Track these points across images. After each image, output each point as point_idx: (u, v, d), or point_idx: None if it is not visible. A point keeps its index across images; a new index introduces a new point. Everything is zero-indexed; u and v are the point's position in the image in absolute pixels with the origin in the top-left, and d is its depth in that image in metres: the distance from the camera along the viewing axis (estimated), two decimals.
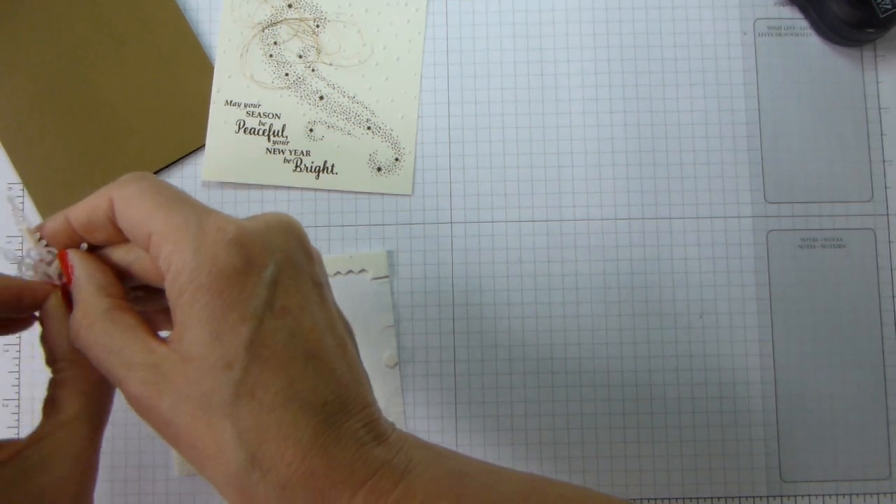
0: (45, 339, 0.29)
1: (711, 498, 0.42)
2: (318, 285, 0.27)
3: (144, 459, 0.43)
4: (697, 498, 0.42)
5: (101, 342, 0.26)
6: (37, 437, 0.27)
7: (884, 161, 0.44)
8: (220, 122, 0.44)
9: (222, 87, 0.45)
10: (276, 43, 0.45)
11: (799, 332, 0.44)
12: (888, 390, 0.43)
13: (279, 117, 0.44)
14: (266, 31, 0.45)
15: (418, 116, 0.45)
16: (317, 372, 0.25)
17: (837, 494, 0.42)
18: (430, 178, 0.44)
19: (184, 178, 0.44)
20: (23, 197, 0.44)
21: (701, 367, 0.43)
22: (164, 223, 0.25)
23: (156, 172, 0.44)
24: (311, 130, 0.44)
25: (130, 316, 0.27)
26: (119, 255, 0.29)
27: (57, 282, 0.29)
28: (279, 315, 0.25)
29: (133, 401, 0.25)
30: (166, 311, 0.28)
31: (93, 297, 0.27)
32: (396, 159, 0.44)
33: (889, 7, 0.42)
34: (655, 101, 0.45)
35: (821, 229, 0.44)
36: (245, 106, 0.45)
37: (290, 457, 0.24)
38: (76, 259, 0.28)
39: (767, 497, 0.42)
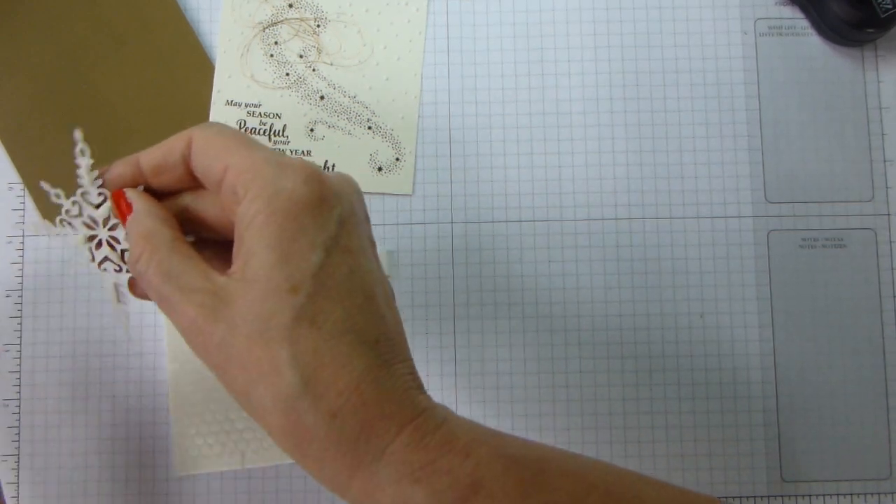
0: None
1: None
2: (372, 244, 0.28)
3: (144, 459, 0.43)
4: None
5: (162, 268, 0.26)
6: None
7: (884, 161, 0.44)
8: (220, 122, 0.44)
9: (223, 88, 0.45)
10: (276, 43, 0.45)
11: (799, 332, 0.44)
12: (888, 390, 0.43)
13: (280, 117, 0.44)
14: (267, 30, 0.45)
15: (419, 116, 0.45)
16: (372, 312, 0.26)
17: (837, 494, 0.42)
18: (430, 178, 0.44)
19: None
20: (23, 197, 0.44)
21: (701, 367, 0.43)
22: (245, 157, 0.26)
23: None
24: (311, 130, 0.44)
25: (189, 247, 0.27)
26: (180, 200, 0.30)
27: (100, 229, 0.30)
28: (344, 251, 0.26)
29: (187, 325, 0.26)
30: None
31: (156, 226, 0.28)
32: (397, 159, 0.44)
33: (889, 7, 0.42)
34: (655, 101, 0.45)
35: (821, 229, 0.44)
36: (246, 106, 0.45)
37: (343, 385, 0.25)
38: (134, 195, 0.29)
39: (767, 497, 0.42)
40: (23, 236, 0.44)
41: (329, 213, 0.26)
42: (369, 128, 0.44)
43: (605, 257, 0.44)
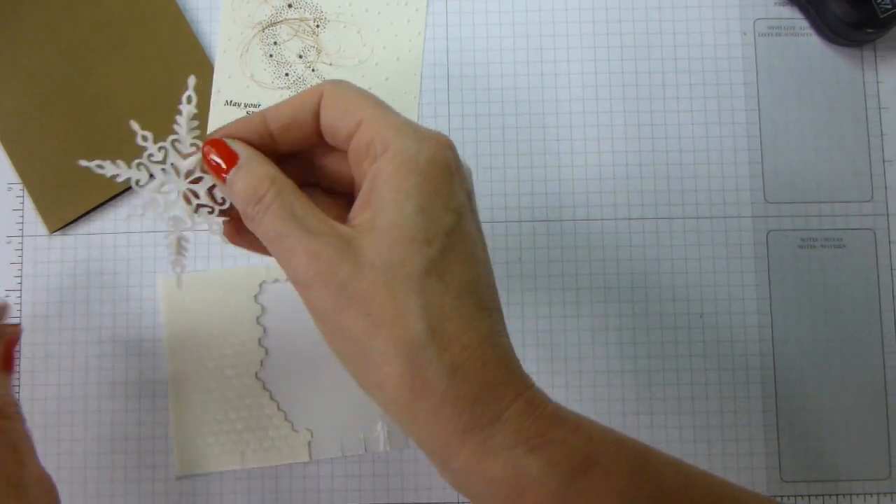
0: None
1: None
2: (481, 225, 0.29)
3: (144, 459, 0.43)
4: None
5: (285, 208, 0.26)
6: None
7: (884, 161, 0.44)
8: (220, 122, 0.44)
9: (222, 88, 0.45)
10: (276, 43, 0.45)
11: (799, 332, 0.44)
12: (888, 390, 0.43)
13: None
14: (266, 31, 0.45)
15: (419, 116, 0.45)
16: (489, 283, 0.27)
17: (837, 494, 0.42)
18: None
19: None
20: (23, 197, 0.44)
21: (701, 367, 0.43)
22: (383, 115, 0.27)
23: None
24: None
25: (307, 196, 0.27)
26: (304, 160, 0.30)
27: (180, 180, 0.29)
28: (471, 221, 0.27)
29: (307, 266, 0.25)
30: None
31: (275, 171, 0.27)
32: None
33: (889, 7, 0.42)
34: (655, 101, 0.45)
35: (821, 229, 0.44)
36: (245, 106, 0.45)
37: (468, 340, 0.25)
38: (240, 145, 0.28)
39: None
40: (22, 236, 0.44)
41: (461, 183, 0.27)
42: None
43: (605, 257, 0.44)
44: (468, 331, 0.25)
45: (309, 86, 0.45)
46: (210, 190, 0.29)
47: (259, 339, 0.43)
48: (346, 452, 0.43)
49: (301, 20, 0.45)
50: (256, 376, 0.43)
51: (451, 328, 0.25)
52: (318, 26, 0.45)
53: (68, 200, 0.44)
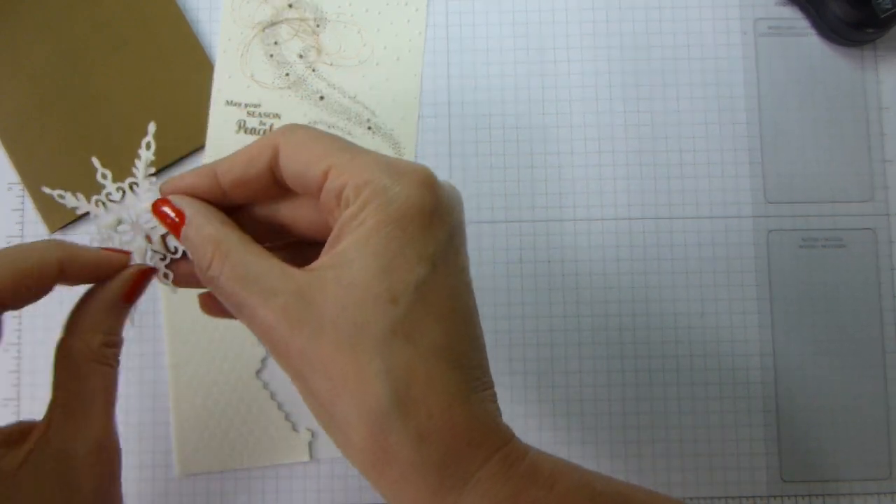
0: (89, 302, 0.28)
1: (711, 498, 0.42)
2: (468, 260, 0.27)
3: (144, 459, 0.43)
4: (697, 498, 0.42)
5: (237, 272, 0.25)
6: (53, 420, 0.26)
7: (884, 161, 0.44)
8: (220, 121, 0.44)
9: (223, 87, 0.45)
10: (276, 43, 0.45)
11: (799, 332, 0.44)
12: (888, 390, 0.43)
13: (280, 117, 0.44)
14: (266, 30, 0.45)
15: (418, 116, 0.45)
16: (470, 335, 0.25)
17: (837, 494, 0.42)
18: None
19: None
20: (23, 197, 0.44)
21: (701, 367, 0.43)
22: (351, 159, 0.25)
23: (156, 173, 0.44)
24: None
25: (260, 247, 0.26)
26: (262, 209, 0.28)
27: (140, 222, 0.28)
28: (450, 268, 0.25)
29: (267, 331, 0.24)
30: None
31: (221, 229, 0.26)
32: None
33: (889, 7, 0.42)
34: (655, 101, 0.45)
35: (821, 229, 0.44)
36: (245, 106, 0.45)
37: (435, 406, 0.23)
38: (185, 201, 0.27)
39: (767, 497, 0.42)
40: (22, 237, 0.44)
41: (440, 226, 0.25)
42: (369, 128, 0.44)
43: (605, 257, 0.44)
44: (437, 394, 0.23)
45: (309, 86, 0.45)
46: (163, 238, 0.29)
47: (260, 339, 0.43)
48: None
49: (301, 20, 0.45)
50: (257, 376, 0.43)
51: (417, 393, 0.23)
52: (318, 26, 0.45)
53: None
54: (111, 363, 0.28)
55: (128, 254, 0.29)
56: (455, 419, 0.24)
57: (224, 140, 0.44)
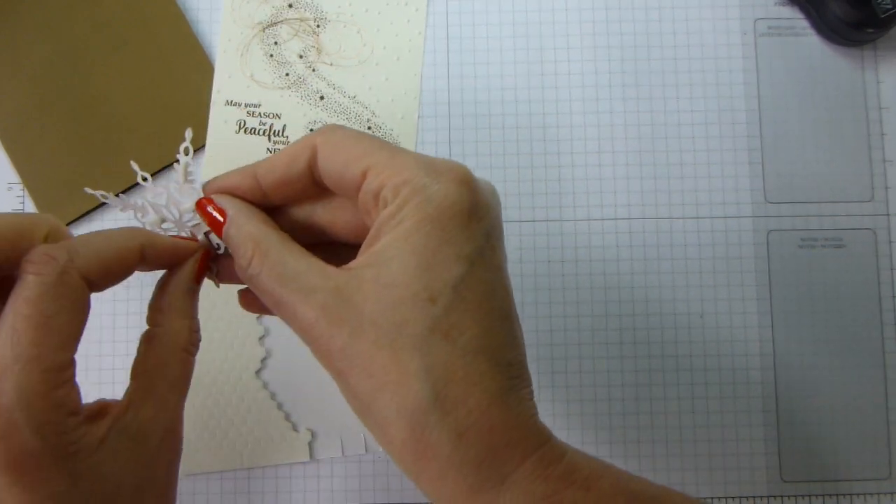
0: (170, 288, 0.28)
1: (711, 498, 0.42)
2: (505, 257, 0.27)
3: None
4: (697, 498, 0.42)
5: (276, 270, 0.25)
6: (132, 402, 0.27)
7: (884, 161, 0.44)
8: (220, 122, 0.44)
9: (223, 87, 0.45)
10: (276, 43, 0.45)
11: (799, 332, 0.44)
12: (888, 390, 0.43)
13: (280, 117, 0.44)
14: (266, 30, 0.45)
15: (418, 116, 0.45)
16: (508, 332, 0.25)
17: (837, 494, 0.42)
18: None
19: None
20: (23, 197, 0.44)
21: (701, 367, 0.43)
22: (389, 158, 0.25)
23: (156, 173, 0.44)
24: (311, 131, 0.44)
25: (299, 246, 0.26)
26: (300, 210, 0.29)
27: (179, 222, 0.29)
28: (487, 266, 0.25)
29: (308, 328, 0.24)
30: None
31: (261, 228, 0.27)
32: None
33: (889, 7, 0.42)
34: (655, 101, 0.45)
35: (821, 229, 0.44)
36: (245, 106, 0.45)
37: (474, 404, 0.24)
38: (227, 201, 0.28)
39: (767, 497, 0.42)
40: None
41: (478, 224, 0.25)
42: (369, 128, 0.44)
43: (605, 257, 0.44)
44: (475, 393, 0.24)
45: (309, 86, 0.45)
46: (206, 235, 0.29)
47: (260, 339, 0.43)
48: (347, 452, 0.43)
49: (301, 20, 0.45)
50: (257, 376, 0.43)
51: (457, 391, 0.23)
52: (318, 26, 0.45)
53: (68, 200, 0.44)
54: (193, 353, 0.29)
55: (196, 240, 0.29)
56: (493, 418, 0.24)
57: (224, 140, 0.44)
